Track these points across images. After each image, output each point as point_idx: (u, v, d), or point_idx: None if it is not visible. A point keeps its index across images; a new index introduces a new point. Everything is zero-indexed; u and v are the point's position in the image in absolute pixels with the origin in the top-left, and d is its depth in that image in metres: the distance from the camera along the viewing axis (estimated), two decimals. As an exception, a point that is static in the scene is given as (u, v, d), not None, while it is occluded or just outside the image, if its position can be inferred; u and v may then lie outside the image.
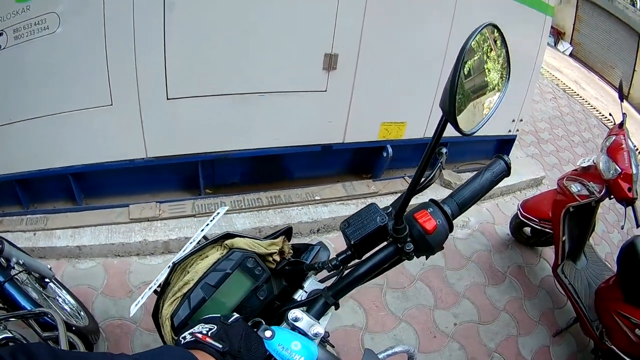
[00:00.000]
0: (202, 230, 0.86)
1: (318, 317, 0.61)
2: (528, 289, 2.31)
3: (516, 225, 2.45)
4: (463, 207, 0.67)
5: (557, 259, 2.05)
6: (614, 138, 1.93)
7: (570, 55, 7.38)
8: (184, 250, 0.81)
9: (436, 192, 2.52)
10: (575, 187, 1.98)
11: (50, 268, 1.51)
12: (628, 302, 1.74)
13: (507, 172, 0.70)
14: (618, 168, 1.84)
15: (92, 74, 1.86)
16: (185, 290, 0.67)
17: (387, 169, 2.49)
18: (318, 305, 0.62)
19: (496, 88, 0.59)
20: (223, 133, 2.02)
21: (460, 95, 0.49)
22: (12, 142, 1.94)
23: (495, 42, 0.57)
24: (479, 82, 0.56)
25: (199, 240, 0.84)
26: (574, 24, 7.77)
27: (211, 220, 0.89)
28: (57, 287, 1.60)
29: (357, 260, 0.65)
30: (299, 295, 0.68)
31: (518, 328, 2.10)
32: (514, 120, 2.83)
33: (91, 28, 1.78)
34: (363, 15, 2.02)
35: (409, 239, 0.61)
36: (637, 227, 1.82)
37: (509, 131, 2.84)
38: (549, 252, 2.29)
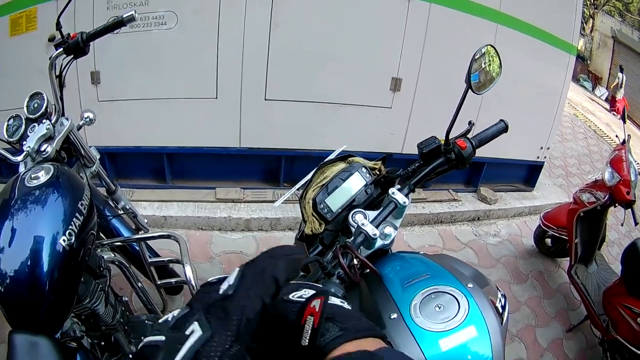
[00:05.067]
0: (327, 158, 1.26)
1: (398, 215, 1.02)
2: (546, 290, 2.85)
3: (539, 235, 3.01)
4: (480, 144, 1.12)
5: (571, 260, 2.58)
6: (616, 153, 2.50)
7: (606, 99, 8.04)
8: (324, 161, 1.24)
9: (474, 203, 3.11)
10: (585, 196, 2.54)
11: (147, 223, 1.77)
12: (631, 295, 2.19)
13: (505, 129, 1.15)
14: (618, 176, 2.36)
15: (203, 69, 2.47)
16: (323, 182, 1.13)
17: (435, 182, 3.04)
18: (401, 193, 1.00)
19: (495, 78, 1.16)
20: (305, 134, 2.62)
21: (475, 79, 1.08)
22: (111, 117, 2.46)
23: (496, 52, 1.16)
24: (486, 74, 1.13)
25: (326, 160, 1.25)
26: (609, 69, 8.49)
27: (335, 154, 1.29)
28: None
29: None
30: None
31: (536, 320, 2.61)
32: (541, 148, 3.41)
33: (206, 30, 2.39)
34: (422, 48, 2.65)
35: (452, 154, 1.07)
36: (636, 225, 2.37)
37: (537, 157, 3.43)
38: (566, 263, 2.77)
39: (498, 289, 1.07)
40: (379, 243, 0.99)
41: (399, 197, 0.99)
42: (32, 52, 2.69)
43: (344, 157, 1.22)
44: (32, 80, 2.79)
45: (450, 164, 1.08)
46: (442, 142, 1.09)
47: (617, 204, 2.42)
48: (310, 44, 2.50)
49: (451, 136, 1.09)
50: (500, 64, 1.17)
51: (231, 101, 2.49)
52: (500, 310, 1.00)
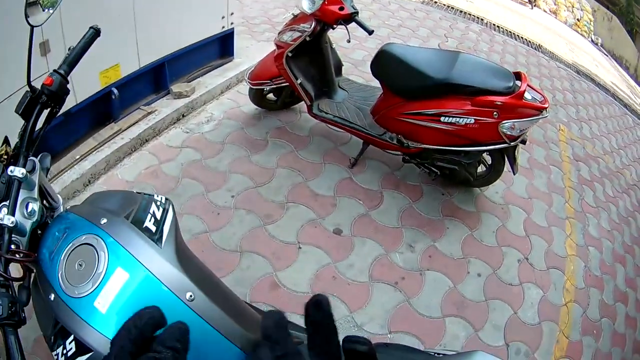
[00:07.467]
0: None
1: (31, 186, 0.87)
2: (298, 141, 2.84)
3: (255, 96, 2.88)
4: (70, 67, 0.96)
5: (306, 102, 2.51)
6: None
7: None
8: None
9: (171, 105, 3.01)
10: (286, 36, 2.39)
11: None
12: (411, 100, 2.06)
13: (98, 33, 0.98)
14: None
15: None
16: None
17: (124, 108, 2.81)
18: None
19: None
20: None
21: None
22: None
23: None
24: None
25: None
26: None
27: None
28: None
29: None
30: None
31: (303, 175, 2.58)
32: (223, 17, 3.35)
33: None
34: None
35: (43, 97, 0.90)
36: (370, 34, 2.25)
37: (223, 28, 3.38)
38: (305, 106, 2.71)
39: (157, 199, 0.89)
40: (29, 224, 0.83)
41: (17, 172, 0.83)
42: None
43: None
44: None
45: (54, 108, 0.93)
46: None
47: (334, 27, 2.30)
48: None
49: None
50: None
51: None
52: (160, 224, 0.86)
